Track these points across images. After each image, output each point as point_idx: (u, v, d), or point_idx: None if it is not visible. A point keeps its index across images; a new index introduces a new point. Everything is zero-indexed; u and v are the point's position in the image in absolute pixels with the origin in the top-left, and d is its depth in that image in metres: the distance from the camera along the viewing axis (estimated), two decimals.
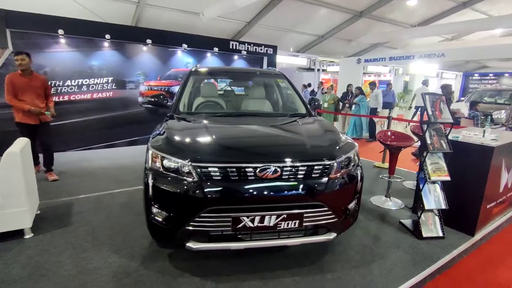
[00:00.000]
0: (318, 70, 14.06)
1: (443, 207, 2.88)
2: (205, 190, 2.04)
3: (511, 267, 2.69)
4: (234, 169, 2.08)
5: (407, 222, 3.16)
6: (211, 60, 6.97)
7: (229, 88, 3.89)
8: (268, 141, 2.49)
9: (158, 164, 2.21)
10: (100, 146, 6.08)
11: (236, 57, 7.24)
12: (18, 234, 2.73)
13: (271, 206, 2.11)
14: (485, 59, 14.51)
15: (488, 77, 11.16)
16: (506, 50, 7.30)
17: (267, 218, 2.10)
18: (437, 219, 2.97)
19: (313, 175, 2.17)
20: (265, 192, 2.10)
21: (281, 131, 2.79)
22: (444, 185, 2.94)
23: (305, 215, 2.15)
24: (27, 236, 2.76)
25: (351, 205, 2.39)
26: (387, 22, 13.33)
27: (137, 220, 3.15)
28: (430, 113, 2.81)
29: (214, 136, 2.39)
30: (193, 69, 3.72)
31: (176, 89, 6.58)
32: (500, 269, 2.67)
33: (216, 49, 6.66)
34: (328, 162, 2.22)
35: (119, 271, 2.31)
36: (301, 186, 2.14)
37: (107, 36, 5.63)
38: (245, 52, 7.14)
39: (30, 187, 2.86)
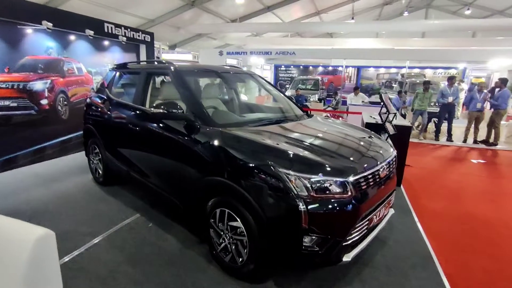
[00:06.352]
0: (158, 58, 13.20)
1: None
2: (359, 200, 2.10)
3: (425, 198, 4.32)
4: (371, 174, 2.23)
5: None
6: (82, 46, 5.20)
7: (233, 91, 3.37)
8: (363, 143, 2.62)
9: (307, 188, 1.95)
10: None
11: (107, 42, 5.74)
12: None
13: (383, 199, 2.45)
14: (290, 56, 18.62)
15: (291, 68, 14.70)
16: (340, 52, 9.95)
17: (381, 210, 2.44)
18: None
19: (394, 165, 2.68)
20: (383, 188, 2.41)
21: (350, 132, 2.88)
22: None
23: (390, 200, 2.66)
24: None
25: None
26: (212, 14, 14.34)
27: (179, 274, 2.42)
28: (388, 106, 3.91)
29: (333, 148, 2.38)
30: (176, 68, 2.97)
31: (37, 85, 4.59)
32: (430, 199, 4.22)
33: (91, 32, 5.02)
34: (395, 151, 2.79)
35: None
36: (394, 176, 2.61)
37: None
38: (125, 38, 5.81)
39: None
